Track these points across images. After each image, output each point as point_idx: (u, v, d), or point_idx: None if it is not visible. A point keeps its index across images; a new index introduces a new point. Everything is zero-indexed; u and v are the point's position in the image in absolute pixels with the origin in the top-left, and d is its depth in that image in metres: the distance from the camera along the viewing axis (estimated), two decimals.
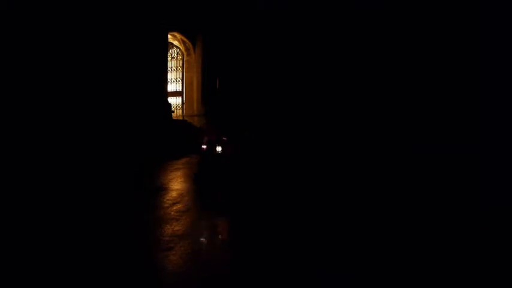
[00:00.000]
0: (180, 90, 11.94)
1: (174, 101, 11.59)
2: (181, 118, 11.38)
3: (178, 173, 6.76)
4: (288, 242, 3.93)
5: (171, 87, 11.46)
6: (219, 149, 6.31)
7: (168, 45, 10.74)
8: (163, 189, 5.82)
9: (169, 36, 10.73)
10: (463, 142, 7.02)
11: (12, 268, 3.29)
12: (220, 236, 4.22)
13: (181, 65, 11.93)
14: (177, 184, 6.11)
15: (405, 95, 8.83)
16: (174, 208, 4.85)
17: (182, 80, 11.94)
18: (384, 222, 4.52)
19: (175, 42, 11.65)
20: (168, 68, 11.20)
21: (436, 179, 6.11)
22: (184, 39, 11.57)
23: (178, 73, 11.92)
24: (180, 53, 11.86)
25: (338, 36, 10.06)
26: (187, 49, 11.83)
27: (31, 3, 6.83)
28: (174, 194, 5.54)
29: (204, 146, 6.27)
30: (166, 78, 10.68)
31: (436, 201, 5.20)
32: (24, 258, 3.49)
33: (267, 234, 4.15)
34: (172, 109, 10.78)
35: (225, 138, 6.30)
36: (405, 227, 4.35)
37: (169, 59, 11.28)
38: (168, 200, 5.26)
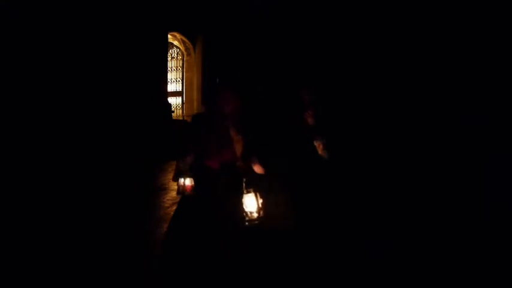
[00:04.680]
0: (180, 90, 11.93)
1: (174, 101, 11.58)
2: (181, 118, 11.38)
3: None
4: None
5: (171, 87, 11.45)
6: (252, 208, 2.47)
7: (168, 45, 10.74)
8: (163, 189, 5.81)
9: (169, 36, 10.72)
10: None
11: (13, 266, 3.29)
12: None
13: (181, 65, 11.92)
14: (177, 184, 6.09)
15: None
16: (174, 208, 4.83)
17: (182, 80, 11.93)
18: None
19: (175, 42, 11.65)
20: (168, 68, 11.19)
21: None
22: (184, 39, 11.57)
23: (178, 73, 11.91)
24: (180, 53, 11.85)
25: (341, 32, 9.73)
26: (187, 49, 11.82)
27: (31, 4, 6.83)
28: (174, 194, 5.52)
29: (182, 182, 2.56)
30: (166, 79, 10.67)
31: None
32: (24, 256, 3.49)
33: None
34: (172, 109, 10.78)
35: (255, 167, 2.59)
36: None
37: (169, 59, 11.28)
38: (168, 200, 5.25)
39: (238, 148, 2.61)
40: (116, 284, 3.12)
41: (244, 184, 2.50)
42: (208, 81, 11.73)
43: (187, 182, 2.55)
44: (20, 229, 4.14)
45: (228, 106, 2.63)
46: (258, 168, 2.60)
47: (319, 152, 2.74)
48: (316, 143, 2.73)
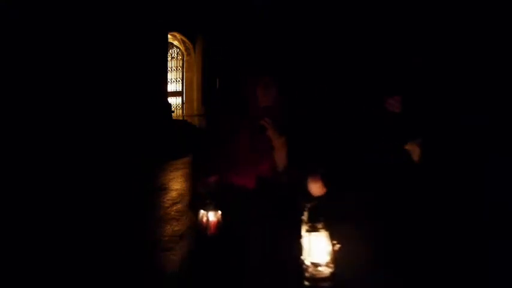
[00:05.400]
0: (180, 90, 11.94)
1: (174, 101, 11.59)
2: (181, 118, 11.39)
3: (178, 173, 6.75)
4: None
5: (171, 87, 11.46)
6: (319, 258, 1.42)
7: (168, 45, 10.74)
8: (163, 189, 5.81)
9: (169, 36, 10.73)
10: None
11: (13, 266, 3.29)
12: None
13: (181, 65, 11.93)
14: (177, 184, 6.10)
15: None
16: (174, 208, 4.85)
17: (182, 80, 11.94)
18: None
19: (175, 42, 11.65)
20: (168, 68, 11.20)
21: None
22: (184, 39, 11.57)
23: (178, 73, 11.92)
24: (180, 53, 11.85)
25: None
26: (187, 49, 11.82)
27: (31, 4, 6.84)
28: (174, 194, 5.53)
29: (203, 217, 1.79)
30: (166, 79, 10.68)
31: None
32: (25, 256, 3.49)
33: None
34: (172, 109, 10.79)
35: None
36: None
37: (169, 59, 11.29)
38: (168, 200, 5.26)
39: (280, 157, 1.78)
40: (116, 284, 3.12)
41: (307, 214, 1.44)
42: (208, 81, 11.74)
43: (212, 216, 1.75)
44: (20, 229, 4.14)
45: (266, 97, 1.86)
46: (317, 188, 1.66)
47: (414, 157, 1.59)
48: (409, 147, 1.61)
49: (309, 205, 1.47)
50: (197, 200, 1.86)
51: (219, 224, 1.75)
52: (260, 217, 1.74)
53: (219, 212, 1.76)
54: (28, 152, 6.37)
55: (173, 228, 4.22)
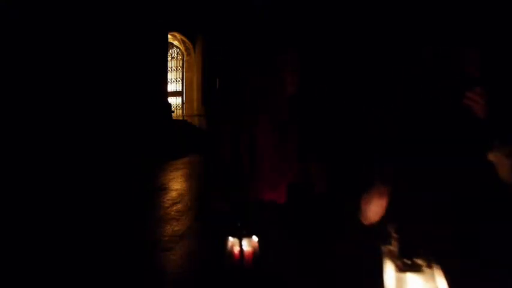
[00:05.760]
0: (180, 90, 11.94)
1: (174, 101, 11.60)
2: (181, 118, 11.39)
3: (178, 173, 6.76)
4: None
5: (171, 87, 11.46)
6: None
7: (168, 46, 10.75)
8: (163, 189, 5.81)
9: (169, 36, 10.73)
10: None
11: (13, 266, 3.29)
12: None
13: (181, 65, 11.93)
14: (177, 184, 6.10)
15: None
16: (174, 208, 4.85)
17: (182, 80, 11.94)
18: None
19: (175, 42, 11.65)
20: (168, 68, 11.21)
21: None
22: (184, 39, 11.57)
23: (178, 73, 11.92)
24: (180, 53, 11.85)
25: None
26: (187, 49, 11.82)
27: (31, 4, 6.84)
28: (174, 194, 5.54)
29: (233, 246, 1.36)
30: (166, 79, 10.69)
31: None
32: (24, 255, 3.49)
33: None
34: (172, 109, 10.80)
35: None
36: None
37: (169, 59, 11.29)
38: (168, 200, 5.26)
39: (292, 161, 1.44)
40: (116, 284, 3.12)
41: (396, 244, 0.97)
42: (208, 81, 11.74)
43: (246, 245, 1.33)
44: (20, 228, 4.14)
45: (294, 85, 1.54)
46: (380, 207, 1.18)
47: (502, 173, 1.19)
48: (493, 157, 1.20)
49: (396, 229, 0.98)
50: (214, 216, 1.53)
51: (256, 254, 1.33)
52: (298, 237, 1.39)
53: (255, 239, 1.35)
54: (28, 152, 6.37)
55: (173, 228, 4.22)
